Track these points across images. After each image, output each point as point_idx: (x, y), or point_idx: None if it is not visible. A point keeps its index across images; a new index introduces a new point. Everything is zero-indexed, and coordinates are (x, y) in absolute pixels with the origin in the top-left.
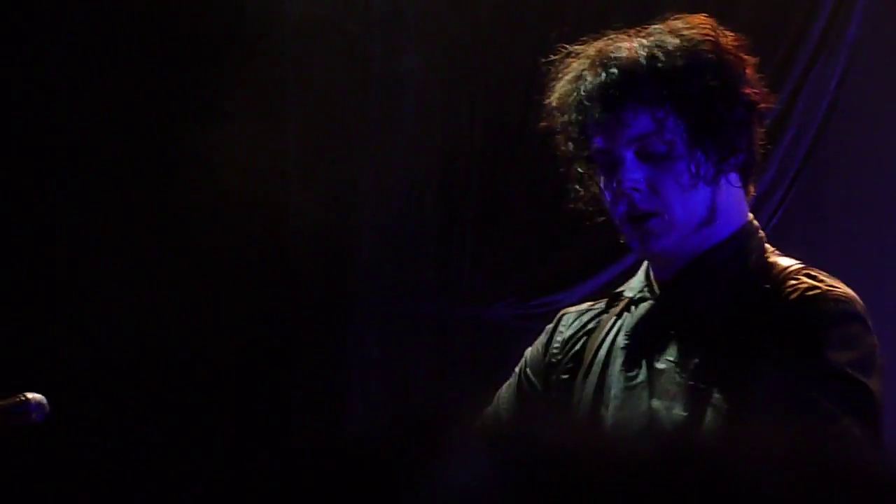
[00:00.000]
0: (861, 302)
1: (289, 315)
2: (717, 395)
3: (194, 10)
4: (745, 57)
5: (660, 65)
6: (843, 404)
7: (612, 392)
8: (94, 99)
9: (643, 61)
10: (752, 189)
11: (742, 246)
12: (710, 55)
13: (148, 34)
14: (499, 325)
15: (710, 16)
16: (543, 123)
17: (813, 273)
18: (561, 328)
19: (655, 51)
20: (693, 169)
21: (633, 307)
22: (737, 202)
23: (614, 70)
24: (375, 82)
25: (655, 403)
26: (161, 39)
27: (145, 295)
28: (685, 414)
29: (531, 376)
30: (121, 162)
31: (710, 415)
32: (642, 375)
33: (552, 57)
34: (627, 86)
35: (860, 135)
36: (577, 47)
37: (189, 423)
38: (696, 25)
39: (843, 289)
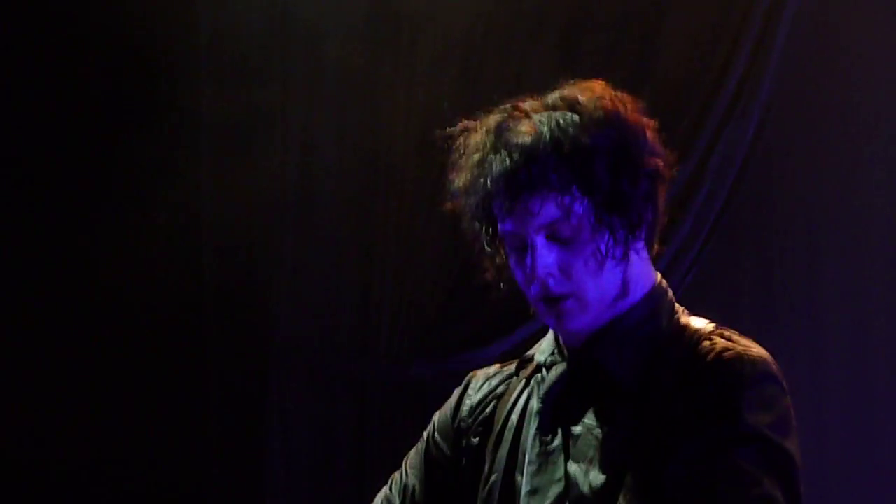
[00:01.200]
0: (775, 362)
1: (207, 372)
2: (635, 459)
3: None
4: (646, 121)
5: (565, 148)
6: (764, 466)
7: (527, 457)
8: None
9: (547, 146)
10: (656, 247)
11: (652, 308)
12: (612, 130)
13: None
14: (418, 383)
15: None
16: (448, 205)
17: (726, 334)
18: (469, 392)
19: (557, 132)
20: (603, 249)
21: (543, 370)
22: (645, 268)
23: (518, 157)
24: (293, 140)
25: (572, 467)
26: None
27: (56, 348)
28: (603, 478)
29: (439, 441)
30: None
31: (629, 479)
32: (558, 440)
33: (449, 130)
34: (532, 173)
35: (774, 190)
36: (473, 123)
37: (105, 481)
38: (595, 97)
39: (757, 349)
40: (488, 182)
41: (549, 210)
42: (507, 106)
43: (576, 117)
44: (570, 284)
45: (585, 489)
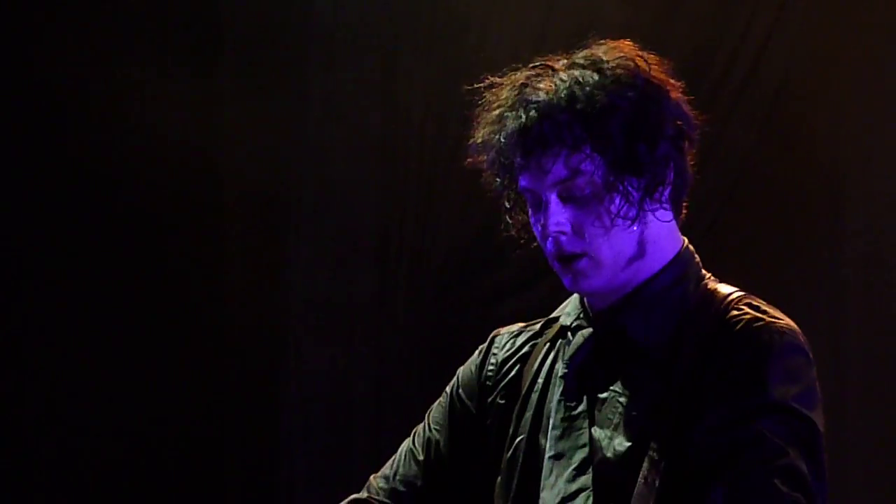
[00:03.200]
0: (802, 333)
1: (226, 323)
2: (660, 425)
3: None
4: (672, 82)
5: (579, 106)
6: (789, 438)
7: (552, 421)
8: None
9: (562, 102)
10: (684, 210)
11: (679, 274)
12: (631, 92)
13: None
14: (437, 335)
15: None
16: (469, 160)
17: (755, 303)
18: (494, 350)
19: (575, 89)
20: (614, 210)
21: (568, 334)
22: (668, 231)
23: (534, 113)
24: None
25: (597, 433)
26: None
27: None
28: (628, 444)
29: (464, 398)
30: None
31: (653, 445)
32: (583, 405)
33: (476, 85)
34: (545, 131)
35: (798, 145)
36: (498, 79)
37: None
38: (619, 56)
39: (785, 320)
40: (503, 138)
41: (559, 169)
42: (537, 63)
43: (595, 76)
44: (583, 244)
45: (610, 454)
